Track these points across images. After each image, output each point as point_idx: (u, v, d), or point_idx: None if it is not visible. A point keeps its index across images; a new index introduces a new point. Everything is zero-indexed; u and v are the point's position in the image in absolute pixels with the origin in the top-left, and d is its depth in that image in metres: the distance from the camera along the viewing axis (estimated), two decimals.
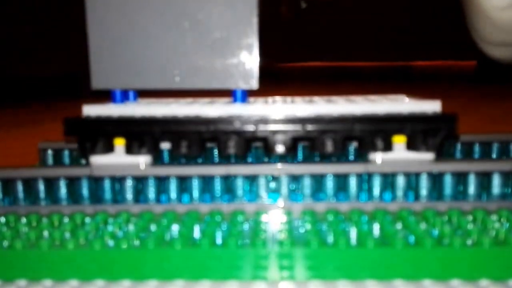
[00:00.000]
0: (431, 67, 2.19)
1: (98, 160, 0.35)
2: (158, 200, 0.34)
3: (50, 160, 0.44)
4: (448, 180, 0.34)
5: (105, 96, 0.38)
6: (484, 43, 0.45)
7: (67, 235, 0.29)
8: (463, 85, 1.53)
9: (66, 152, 0.44)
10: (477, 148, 0.43)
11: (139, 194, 0.35)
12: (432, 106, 0.34)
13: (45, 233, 0.29)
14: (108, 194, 0.34)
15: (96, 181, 0.35)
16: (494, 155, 0.43)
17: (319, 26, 1.67)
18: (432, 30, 1.61)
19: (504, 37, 0.42)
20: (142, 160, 0.35)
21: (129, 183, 0.34)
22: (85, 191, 0.35)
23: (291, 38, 1.60)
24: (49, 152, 0.44)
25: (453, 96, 1.09)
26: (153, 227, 0.30)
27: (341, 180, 0.34)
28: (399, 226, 0.30)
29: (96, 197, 0.35)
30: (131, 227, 0.30)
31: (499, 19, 0.41)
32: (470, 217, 0.30)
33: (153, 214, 0.32)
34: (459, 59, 1.91)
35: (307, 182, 0.34)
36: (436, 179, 0.34)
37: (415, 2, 1.44)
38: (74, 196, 0.35)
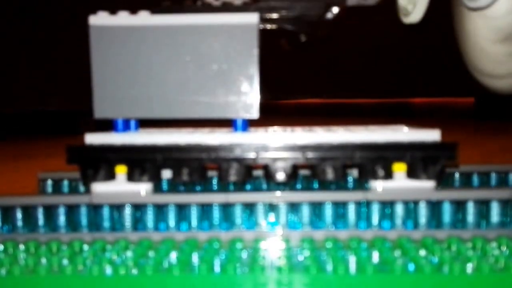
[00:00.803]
0: (430, 103, 2.21)
1: (100, 187, 0.35)
2: (157, 227, 0.34)
3: (49, 190, 0.44)
4: (449, 208, 0.34)
5: (105, 131, 0.38)
6: (480, 75, 0.46)
7: (65, 261, 0.29)
8: (462, 121, 1.55)
9: (66, 182, 0.44)
10: (475, 178, 0.43)
11: (138, 222, 0.35)
12: (431, 135, 0.35)
13: (43, 260, 0.29)
14: (107, 222, 0.34)
15: (95, 209, 0.35)
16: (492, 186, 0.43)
17: (316, 62, 1.70)
18: (430, 67, 1.64)
19: (498, 69, 0.42)
20: (143, 188, 0.35)
21: (128, 210, 0.34)
22: (84, 219, 0.35)
23: (287, 74, 1.62)
24: (49, 182, 0.44)
25: (452, 131, 1.10)
26: (151, 254, 0.30)
27: (341, 208, 0.34)
28: (398, 253, 0.29)
29: (95, 224, 0.34)
30: (129, 254, 0.30)
31: (492, 52, 0.42)
32: (469, 244, 0.30)
33: (152, 242, 0.32)
34: (457, 95, 1.93)
35: (305, 210, 0.34)
36: (437, 207, 0.34)
37: (414, 40, 1.48)
38: (73, 223, 0.35)
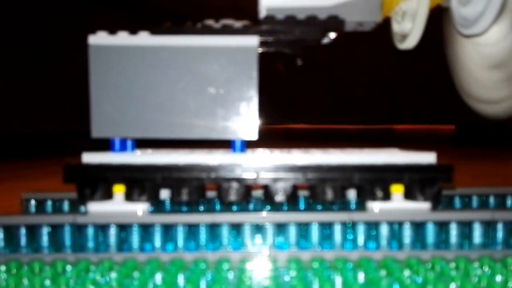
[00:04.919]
0: (412, 130, 2.25)
1: (96, 206, 0.35)
2: (142, 248, 0.34)
3: (33, 210, 0.44)
4: (453, 228, 0.34)
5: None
6: (472, 101, 0.47)
7: (48, 282, 0.28)
8: (443, 147, 1.58)
9: (49, 202, 0.44)
10: (457, 201, 0.44)
11: (124, 242, 0.34)
12: (428, 158, 0.36)
13: (25, 281, 0.29)
14: (91, 242, 0.34)
15: (79, 229, 0.34)
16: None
17: (303, 88, 1.73)
18: (413, 96, 1.68)
19: (490, 94, 0.44)
20: (140, 208, 0.35)
21: (114, 230, 0.34)
22: (67, 239, 0.34)
23: (274, 100, 1.64)
24: (32, 202, 0.44)
25: None
26: (136, 275, 0.30)
27: (327, 229, 0.34)
28: (383, 273, 0.30)
29: (79, 244, 0.34)
30: (113, 275, 0.29)
31: (485, 78, 0.43)
32: (453, 265, 0.30)
33: (137, 262, 0.31)
34: (438, 123, 1.98)
35: (292, 231, 0.34)
36: (441, 228, 0.34)
37: (400, 69, 1.52)
38: (56, 243, 0.34)
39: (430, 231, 0.34)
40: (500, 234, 0.34)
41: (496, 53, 0.41)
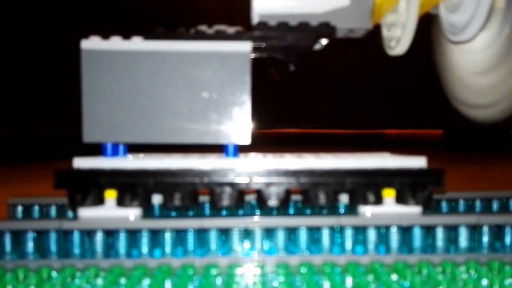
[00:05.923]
0: (402, 135, 2.27)
1: (87, 212, 0.34)
2: (129, 254, 0.34)
3: (19, 216, 0.43)
4: (438, 232, 0.34)
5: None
6: (461, 106, 0.48)
7: None
8: (431, 151, 1.59)
9: (36, 208, 0.43)
10: (444, 205, 0.45)
11: (111, 248, 0.34)
12: (418, 162, 0.36)
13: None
14: (77, 248, 0.34)
15: (66, 235, 0.34)
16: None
17: (295, 93, 1.73)
18: (403, 101, 1.69)
19: (479, 99, 0.45)
20: (132, 213, 0.34)
21: (100, 236, 0.34)
22: (53, 245, 0.34)
23: (268, 104, 1.65)
24: (19, 208, 0.43)
25: None
26: (123, 281, 0.29)
27: (318, 233, 0.35)
28: (371, 278, 0.30)
29: (65, 251, 0.34)
30: (99, 281, 0.29)
31: (473, 83, 0.44)
32: (439, 269, 0.31)
33: (124, 268, 0.31)
34: (427, 128, 2.00)
35: (281, 236, 0.34)
36: (427, 232, 0.34)
37: (390, 74, 1.54)
38: (42, 250, 0.34)
39: (420, 235, 0.34)
40: (485, 238, 0.34)
41: (484, 59, 0.42)
